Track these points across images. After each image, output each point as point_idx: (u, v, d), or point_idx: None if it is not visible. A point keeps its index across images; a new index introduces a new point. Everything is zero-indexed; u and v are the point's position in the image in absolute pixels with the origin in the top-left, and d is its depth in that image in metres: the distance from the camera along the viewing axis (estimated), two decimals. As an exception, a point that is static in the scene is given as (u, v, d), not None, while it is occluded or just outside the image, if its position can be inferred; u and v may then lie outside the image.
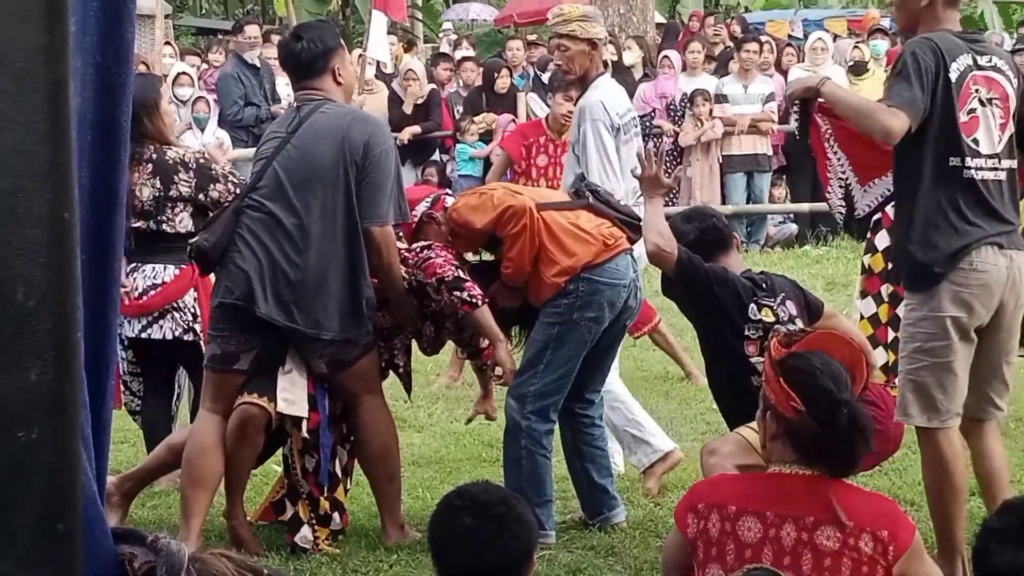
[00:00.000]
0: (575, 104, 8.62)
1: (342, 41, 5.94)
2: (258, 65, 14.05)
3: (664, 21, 21.52)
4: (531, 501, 5.56)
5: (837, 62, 14.96)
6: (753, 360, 5.21)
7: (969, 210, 4.97)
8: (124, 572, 3.27)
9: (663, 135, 14.17)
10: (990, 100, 5.02)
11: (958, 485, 5.07)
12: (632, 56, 15.11)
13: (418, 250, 5.73)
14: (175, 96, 13.19)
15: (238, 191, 6.07)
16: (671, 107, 14.35)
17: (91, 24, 3.51)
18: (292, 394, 5.61)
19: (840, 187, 5.33)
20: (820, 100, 5.25)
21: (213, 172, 6.28)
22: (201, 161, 6.31)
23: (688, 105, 14.13)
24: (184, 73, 13.77)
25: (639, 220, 5.80)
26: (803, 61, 15.09)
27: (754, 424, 4.87)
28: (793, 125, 5.44)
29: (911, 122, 4.88)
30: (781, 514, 3.67)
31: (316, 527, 5.71)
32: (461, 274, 5.65)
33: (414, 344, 6.04)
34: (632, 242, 5.84)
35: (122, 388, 6.48)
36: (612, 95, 6.54)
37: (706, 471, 4.92)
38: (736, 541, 3.69)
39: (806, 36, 17.87)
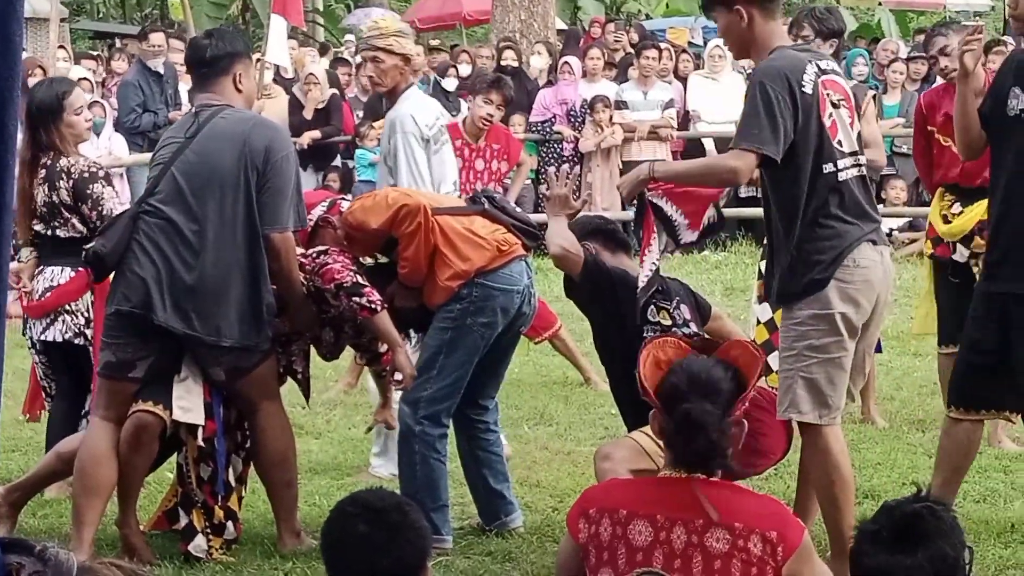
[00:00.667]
0: (496, 108, 8.74)
1: (251, 52, 5.92)
2: (161, 72, 13.95)
3: (565, 27, 21.58)
4: (426, 506, 5.58)
5: (735, 69, 15.10)
6: None
7: (846, 211, 5.07)
8: (11, 583, 3.23)
9: (567, 163, 14.22)
10: (839, 102, 5.13)
11: (847, 480, 5.16)
12: (541, 61, 15.16)
13: (314, 256, 5.70)
14: (71, 100, 13.07)
15: (102, 212, 6.09)
16: (571, 113, 14.41)
17: (-26, 26, 3.47)
18: (188, 401, 5.55)
19: (650, 270, 5.35)
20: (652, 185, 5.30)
21: (91, 189, 6.16)
22: (85, 174, 6.18)
23: (588, 111, 14.20)
24: (83, 78, 13.68)
25: (534, 227, 5.83)
26: (702, 68, 15.22)
27: (648, 428, 4.92)
28: (631, 214, 5.55)
29: (772, 155, 4.96)
30: (671, 517, 3.69)
31: (210, 536, 5.66)
32: (359, 279, 5.63)
33: (312, 350, 6.01)
34: (527, 249, 5.87)
35: (43, 394, 6.46)
36: (421, 107, 6.61)
37: (599, 476, 4.94)
38: (627, 545, 3.71)
39: (706, 43, 18.03)
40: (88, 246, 5.60)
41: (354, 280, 5.60)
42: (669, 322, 5.32)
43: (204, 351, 5.53)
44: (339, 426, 7.91)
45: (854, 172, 5.14)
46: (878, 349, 7.81)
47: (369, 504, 3.27)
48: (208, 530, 5.65)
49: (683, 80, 15.06)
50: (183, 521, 5.70)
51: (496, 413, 6.12)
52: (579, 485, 6.43)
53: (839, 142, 5.11)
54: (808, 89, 5.03)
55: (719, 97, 14.68)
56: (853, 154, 5.15)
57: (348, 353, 8.44)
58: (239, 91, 5.69)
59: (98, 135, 13.20)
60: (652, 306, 5.32)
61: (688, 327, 5.32)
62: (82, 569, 3.15)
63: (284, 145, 5.65)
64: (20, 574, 3.23)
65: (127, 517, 5.64)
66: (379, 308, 5.59)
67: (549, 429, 7.82)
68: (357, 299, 5.58)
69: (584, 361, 8.78)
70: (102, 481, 5.54)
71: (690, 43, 20.11)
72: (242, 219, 5.49)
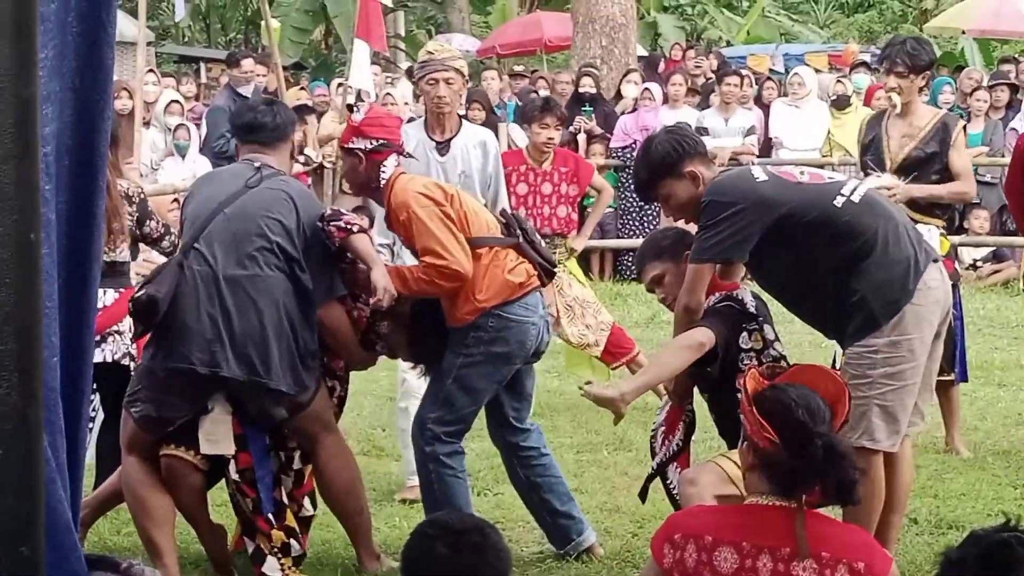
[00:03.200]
0: (554, 129, 8.75)
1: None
2: (249, 97, 14.06)
3: (646, 54, 21.58)
4: None
5: (820, 97, 15.03)
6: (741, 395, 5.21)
7: (890, 230, 5.08)
8: (98, 598, 3.26)
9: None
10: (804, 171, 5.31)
11: (881, 503, 5.19)
12: (636, 90, 15.13)
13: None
14: (165, 123, 13.30)
15: (170, 229, 6.36)
16: (652, 139, 14.38)
17: (70, 49, 3.52)
18: (214, 433, 5.54)
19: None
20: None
21: (147, 206, 6.49)
22: (141, 194, 6.51)
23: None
24: (174, 101, 13.86)
25: (555, 266, 5.96)
26: (784, 96, 15.16)
27: (734, 454, 4.89)
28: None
29: (739, 259, 5.13)
30: (757, 545, 3.66)
31: (280, 556, 5.66)
32: (342, 211, 5.76)
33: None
34: (543, 284, 5.91)
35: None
36: None
37: (684, 500, 4.92)
38: (712, 572, 3.68)
39: (787, 71, 17.96)
40: (139, 294, 5.52)
41: (336, 209, 5.71)
42: (760, 345, 5.28)
43: (266, 395, 5.51)
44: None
45: (865, 188, 5.23)
46: (963, 378, 7.73)
47: (450, 526, 3.25)
48: (276, 551, 5.66)
49: (765, 107, 15.00)
50: (251, 547, 5.70)
51: (542, 437, 6.12)
52: (659, 511, 6.38)
53: (830, 178, 5.25)
54: (763, 176, 5.12)
55: (801, 124, 14.61)
56: (852, 179, 5.30)
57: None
58: (292, 160, 5.84)
59: (183, 157, 13.34)
60: (744, 332, 5.27)
61: (776, 344, 5.29)
62: (167, 585, 3.18)
63: (316, 211, 5.74)
64: (106, 590, 3.27)
65: (215, 549, 5.71)
66: (355, 230, 5.58)
67: (628, 455, 7.79)
68: (335, 222, 5.58)
69: (663, 387, 8.73)
70: (161, 508, 5.55)
71: (771, 70, 20.02)
72: (287, 272, 5.53)
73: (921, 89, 7.42)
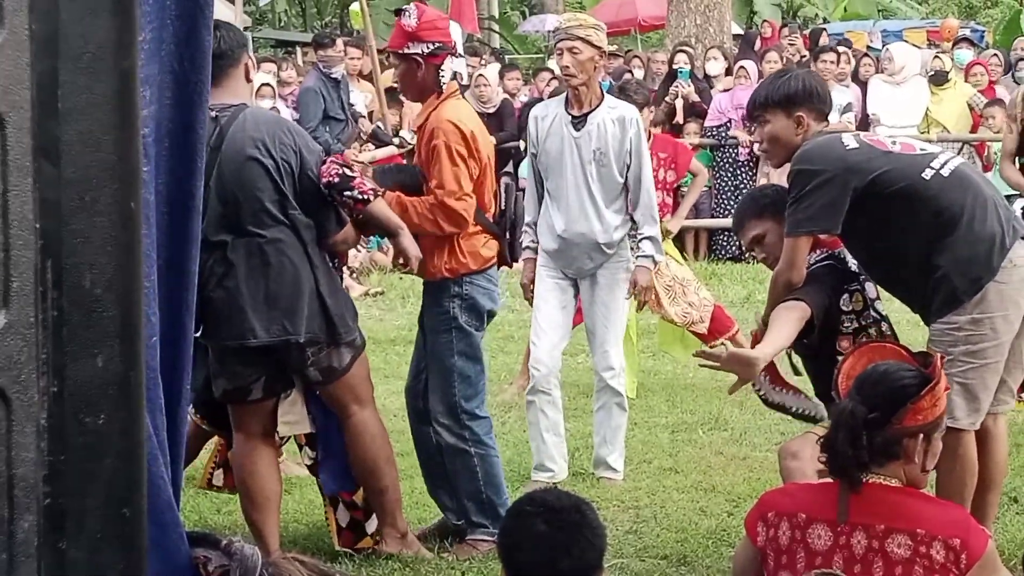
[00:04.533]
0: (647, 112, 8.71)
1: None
2: (339, 79, 14.14)
3: (741, 31, 21.44)
4: (496, 503, 5.76)
5: (919, 73, 14.85)
6: (840, 359, 5.18)
7: (978, 204, 4.99)
8: (198, 575, 3.32)
9: (738, 145, 14.18)
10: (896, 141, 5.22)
11: (975, 483, 5.11)
12: (717, 67, 15.06)
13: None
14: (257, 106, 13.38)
15: None
16: (747, 118, 14.30)
17: (168, 32, 3.57)
18: (292, 415, 5.56)
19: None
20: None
21: None
22: None
23: (766, 115, 14.06)
24: (266, 84, 13.92)
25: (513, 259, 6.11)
26: (881, 72, 15.00)
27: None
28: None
29: (832, 229, 5.05)
30: (852, 522, 3.65)
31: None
32: (347, 172, 5.48)
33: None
34: (502, 261, 5.99)
35: None
36: None
37: (786, 473, 4.90)
38: (806, 549, 3.68)
39: (885, 47, 17.76)
40: None
41: (341, 173, 5.43)
42: (861, 305, 5.23)
43: (297, 353, 5.41)
44: (514, 428, 7.95)
45: (956, 160, 5.12)
46: None
47: (548, 503, 3.28)
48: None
49: (863, 84, 14.85)
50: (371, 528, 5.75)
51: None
52: (754, 490, 6.38)
53: (922, 150, 5.15)
54: (853, 144, 5.05)
55: (899, 101, 14.45)
56: (944, 151, 5.20)
57: (520, 355, 8.54)
58: (249, 81, 5.54)
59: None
60: (845, 293, 5.22)
61: (877, 304, 5.24)
62: (266, 564, 3.23)
63: (312, 145, 5.53)
64: (207, 567, 3.33)
65: None
66: (371, 197, 5.44)
67: (724, 434, 7.77)
68: (349, 194, 5.42)
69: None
70: (268, 494, 5.55)
71: (869, 47, 19.81)
72: (288, 225, 5.35)
73: None
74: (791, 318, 4.98)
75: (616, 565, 5.51)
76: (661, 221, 8.81)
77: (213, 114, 5.18)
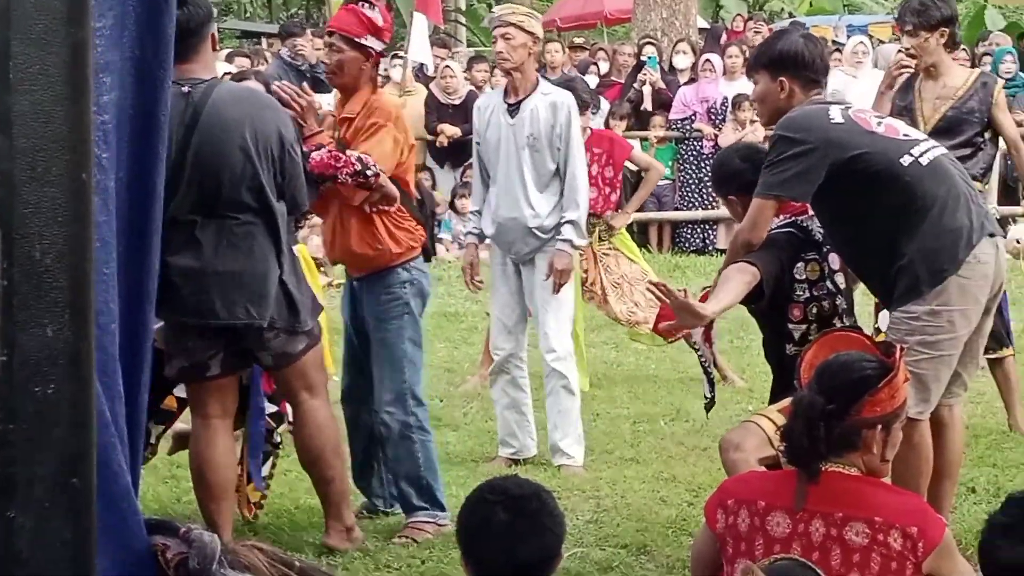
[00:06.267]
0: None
1: None
2: (304, 69, 14.10)
3: (707, 25, 21.48)
4: (433, 487, 5.89)
5: (879, 66, 14.91)
6: (791, 326, 5.22)
7: (951, 197, 5.00)
8: (157, 563, 3.31)
9: (703, 138, 14.22)
10: (882, 120, 5.20)
11: (930, 472, 5.16)
12: (685, 60, 15.09)
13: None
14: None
15: None
16: (712, 110, 14.35)
17: (130, 19, 3.56)
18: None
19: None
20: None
21: None
22: None
23: (732, 109, 14.11)
24: (227, 73, 13.84)
25: (433, 254, 6.27)
26: (844, 65, 15.06)
27: (770, 412, 4.93)
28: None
29: (801, 198, 5.10)
30: (810, 509, 3.67)
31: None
32: (362, 161, 5.66)
33: None
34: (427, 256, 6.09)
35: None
36: None
37: (730, 467, 4.89)
38: (765, 536, 3.70)
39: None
40: None
41: (357, 164, 5.64)
42: (817, 275, 5.24)
43: (254, 335, 5.37)
44: (476, 419, 7.96)
45: (937, 151, 5.10)
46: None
47: (508, 491, 3.27)
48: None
49: (825, 77, 14.90)
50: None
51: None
52: (714, 480, 6.39)
53: (905, 135, 5.12)
54: (838, 118, 5.05)
55: (859, 93, 14.49)
56: (927, 139, 5.19)
57: (481, 347, 8.55)
58: (215, 50, 5.48)
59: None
60: (800, 262, 5.22)
61: (837, 277, 5.26)
62: (225, 551, 3.23)
63: (290, 125, 5.47)
64: (165, 555, 3.32)
65: None
66: (378, 171, 5.66)
67: (686, 425, 7.81)
68: (370, 172, 5.65)
69: (721, 358, 8.74)
70: (224, 484, 5.49)
71: (833, 41, 19.87)
72: (262, 203, 5.30)
73: (949, 49, 6.97)
74: (740, 279, 5.01)
75: (576, 554, 5.53)
76: (600, 217, 8.74)
77: (185, 89, 5.14)
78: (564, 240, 6.83)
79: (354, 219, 5.83)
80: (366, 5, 5.80)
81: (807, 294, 5.21)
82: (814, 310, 5.21)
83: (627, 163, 9.17)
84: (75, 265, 2.22)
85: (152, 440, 5.77)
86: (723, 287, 5.05)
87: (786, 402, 4.95)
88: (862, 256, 5.17)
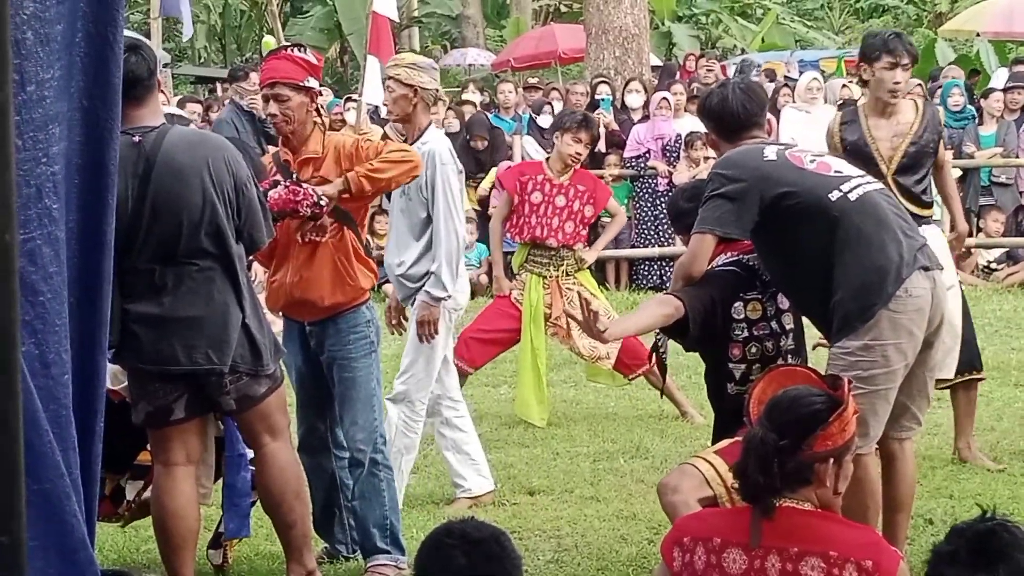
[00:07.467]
0: (584, 147, 8.72)
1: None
2: (252, 112, 14.11)
3: (660, 63, 21.62)
4: (396, 529, 5.97)
5: (829, 102, 15.04)
6: (731, 366, 5.23)
7: (881, 229, 5.05)
8: (115, 613, 3.30)
9: (657, 175, 14.29)
10: (816, 157, 5.31)
11: (879, 506, 5.21)
12: (638, 99, 15.17)
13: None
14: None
15: None
16: (667, 148, 14.42)
17: (77, 69, 3.57)
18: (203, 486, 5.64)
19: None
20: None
21: None
22: None
23: (685, 147, 14.18)
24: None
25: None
26: (797, 101, 15.18)
27: (706, 454, 4.94)
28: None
29: (733, 235, 5.17)
30: (765, 545, 3.69)
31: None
32: (312, 199, 5.75)
33: None
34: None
35: None
36: (447, 143, 6.83)
37: (670, 510, 4.83)
38: (721, 573, 3.71)
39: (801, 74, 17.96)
40: None
41: (312, 198, 5.74)
42: (758, 315, 5.24)
43: (215, 380, 5.32)
44: (435, 460, 7.94)
45: (869, 187, 5.17)
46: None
47: (467, 535, 3.24)
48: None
49: (777, 113, 15.02)
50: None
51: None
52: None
53: (837, 171, 5.20)
54: (772, 156, 5.17)
55: (812, 129, 14.61)
56: (861, 175, 5.24)
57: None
58: (162, 92, 5.52)
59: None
60: (739, 301, 5.21)
61: (785, 318, 5.27)
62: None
63: (243, 164, 5.39)
64: (123, 606, 3.31)
65: None
66: (326, 200, 5.75)
67: (645, 462, 7.81)
68: (320, 207, 5.75)
69: (680, 395, 8.77)
70: (185, 534, 5.40)
71: (786, 76, 20.03)
72: (221, 247, 5.25)
73: None
74: (657, 311, 5.14)
75: (537, 594, 5.53)
76: (573, 250, 8.79)
77: (136, 139, 5.11)
78: (424, 291, 6.72)
79: (324, 269, 5.89)
80: (294, 49, 5.91)
81: (746, 333, 5.21)
82: (753, 350, 5.21)
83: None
84: (1, 326, 2.20)
85: (130, 497, 5.76)
86: (637, 313, 5.26)
87: (723, 443, 5.01)
88: (799, 292, 5.23)
